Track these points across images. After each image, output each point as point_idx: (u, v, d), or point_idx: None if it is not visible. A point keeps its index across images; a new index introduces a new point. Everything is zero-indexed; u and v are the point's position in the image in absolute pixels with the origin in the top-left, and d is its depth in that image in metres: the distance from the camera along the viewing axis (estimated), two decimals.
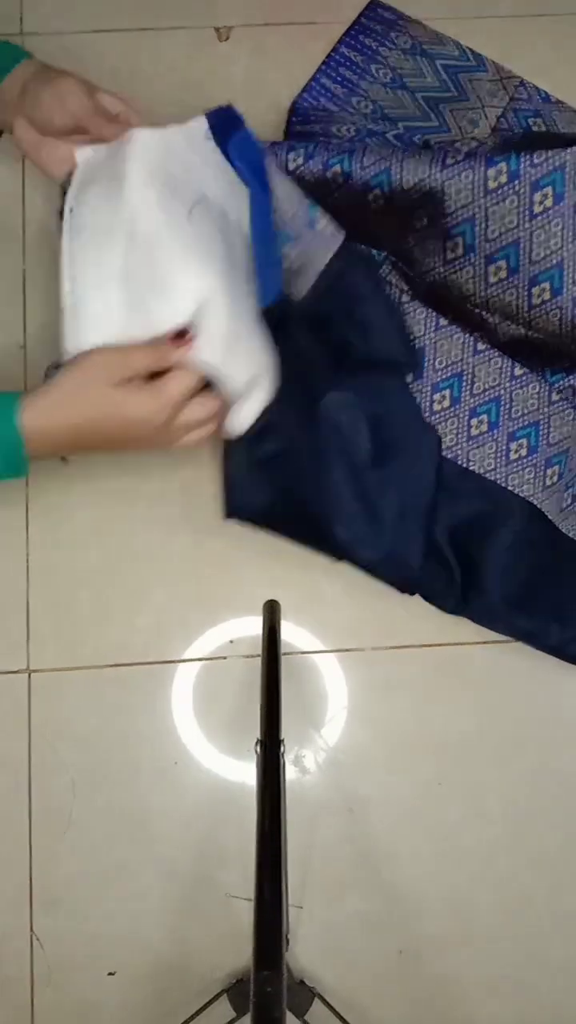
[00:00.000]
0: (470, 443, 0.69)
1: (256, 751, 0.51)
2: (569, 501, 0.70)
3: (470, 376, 0.69)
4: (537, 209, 0.61)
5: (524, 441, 0.69)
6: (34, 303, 0.71)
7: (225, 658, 0.69)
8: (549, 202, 0.61)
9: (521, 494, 0.69)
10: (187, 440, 0.58)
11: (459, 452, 0.69)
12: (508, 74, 0.73)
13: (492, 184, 0.61)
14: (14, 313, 0.71)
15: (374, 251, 0.69)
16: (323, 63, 0.73)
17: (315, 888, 0.67)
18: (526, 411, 0.70)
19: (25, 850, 0.67)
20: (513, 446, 0.69)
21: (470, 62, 0.72)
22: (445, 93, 0.72)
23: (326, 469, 0.64)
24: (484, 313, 0.67)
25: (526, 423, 0.70)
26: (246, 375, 0.57)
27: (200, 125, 0.59)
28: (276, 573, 0.69)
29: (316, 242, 0.63)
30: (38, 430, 0.52)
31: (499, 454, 0.69)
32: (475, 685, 0.69)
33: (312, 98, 0.73)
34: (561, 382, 0.70)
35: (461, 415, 0.70)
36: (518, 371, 0.69)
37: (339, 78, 0.72)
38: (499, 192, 0.61)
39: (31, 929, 0.67)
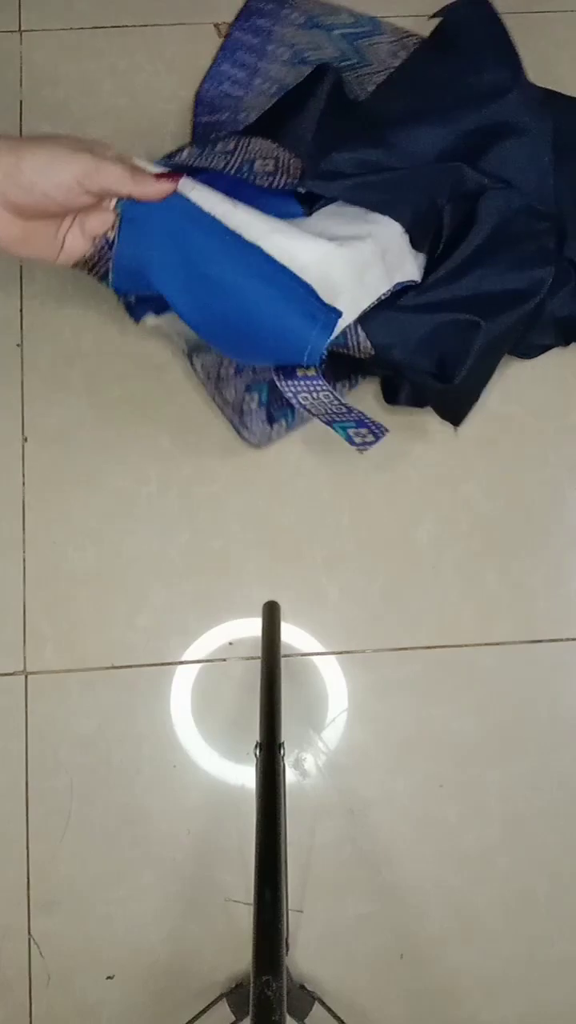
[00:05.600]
0: None
1: (255, 754, 0.51)
2: None
3: None
4: None
5: None
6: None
7: (224, 660, 0.69)
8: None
9: None
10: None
11: None
12: (405, 33, 0.71)
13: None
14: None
15: None
16: (220, 49, 0.72)
17: (315, 891, 0.67)
18: None
19: (23, 852, 0.67)
20: None
21: (365, 27, 0.71)
22: (346, 61, 0.71)
23: None
24: None
25: None
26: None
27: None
28: (276, 574, 0.69)
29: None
30: None
31: None
32: (475, 686, 0.69)
33: (214, 86, 0.71)
34: None
35: None
36: None
37: (238, 62, 0.71)
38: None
39: (29, 932, 0.66)
